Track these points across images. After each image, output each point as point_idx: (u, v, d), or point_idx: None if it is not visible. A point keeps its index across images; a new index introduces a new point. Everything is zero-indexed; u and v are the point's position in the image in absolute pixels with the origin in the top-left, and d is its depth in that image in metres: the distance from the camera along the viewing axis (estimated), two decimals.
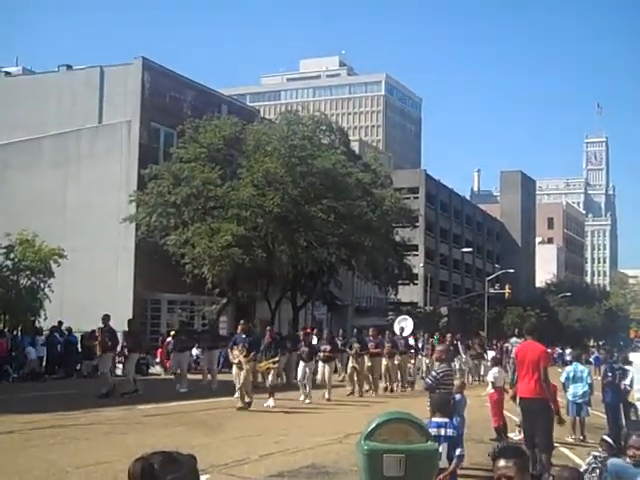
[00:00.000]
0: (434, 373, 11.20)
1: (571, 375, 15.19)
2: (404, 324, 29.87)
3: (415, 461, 6.26)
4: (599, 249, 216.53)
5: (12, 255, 27.26)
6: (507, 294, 67.47)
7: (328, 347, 21.82)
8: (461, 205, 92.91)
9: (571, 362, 16.91)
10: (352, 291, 55.28)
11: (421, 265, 71.43)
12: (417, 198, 72.87)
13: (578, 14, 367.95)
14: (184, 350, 22.43)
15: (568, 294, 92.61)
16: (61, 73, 41.25)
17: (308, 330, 25.04)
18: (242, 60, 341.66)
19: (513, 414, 13.46)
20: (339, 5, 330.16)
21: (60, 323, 28.62)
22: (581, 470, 7.12)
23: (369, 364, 23.33)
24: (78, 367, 27.40)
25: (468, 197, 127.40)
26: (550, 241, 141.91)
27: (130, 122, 37.39)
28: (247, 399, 17.35)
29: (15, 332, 27.30)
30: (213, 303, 35.92)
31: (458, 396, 11.13)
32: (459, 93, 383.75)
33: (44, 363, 26.83)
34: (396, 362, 24.84)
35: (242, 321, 18.93)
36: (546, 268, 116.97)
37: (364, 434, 6.36)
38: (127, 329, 22.02)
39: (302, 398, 19.55)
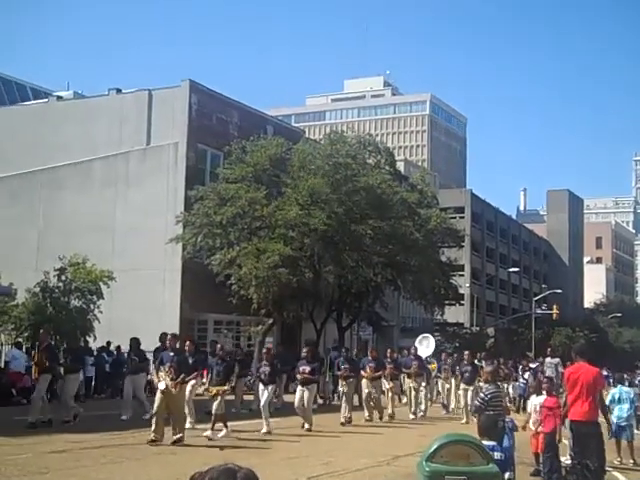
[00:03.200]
0: (482, 395, 11.09)
1: (616, 397, 15.03)
2: (425, 343, 26.95)
3: None
4: None
5: (63, 277, 27.72)
6: (555, 314, 66.58)
7: (307, 368, 18.29)
8: (507, 224, 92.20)
9: (615, 384, 16.71)
10: (398, 311, 55.05)
11: (467, 285, 70.93)
12: (463, 218, 72.48)
13: (627, 30, 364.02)
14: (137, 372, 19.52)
15: (618, 315, 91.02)
16: (111, 97, 41.94)
17: (269, 346, 22.63)
18: (288, 81, 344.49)
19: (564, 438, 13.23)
20: (383, 25, 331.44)
21: (108, 343, 28.99)
22: None
23: (367, 390, 20.83)
24: None
25: (514, 216, 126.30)
26: (599, 261, 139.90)
27: (177, 144, 37.84)
28: (178, 431, 14.42)
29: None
30: (259, 324, 36.00)
31: (508, 418, 11.00)
32: (504, 111, 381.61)
33: (93, 383, 27.21)
34: (411, 385, 22.63)
35: (169, 335, 15.91)
36: (595, 288, 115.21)
37: (425, 455, 6.37)
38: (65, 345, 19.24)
39: (264, 430, 16.51)
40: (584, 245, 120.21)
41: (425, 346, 26.63)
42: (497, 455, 7.81)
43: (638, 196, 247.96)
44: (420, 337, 28.12)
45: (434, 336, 59.82)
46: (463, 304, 62.82)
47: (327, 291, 34.88)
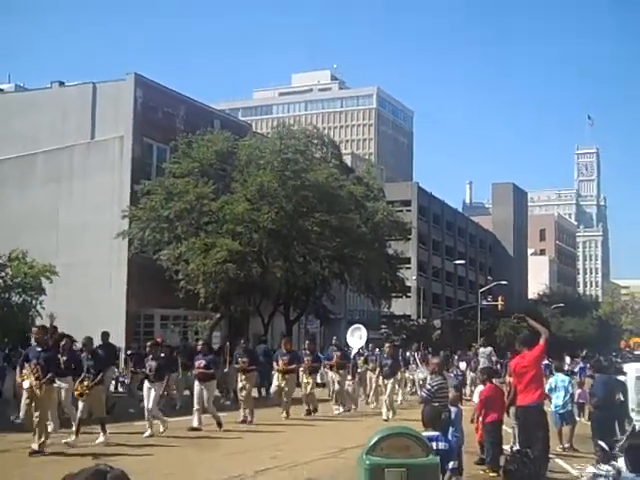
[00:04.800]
0: (429, 386, 11.24)
1: (553, 385, 15.38)
2: (357, 334, 24.51)
3: (417, 475, 6.32)
4: (591, 260, 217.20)
5: (3, 273, 27.18)
6: (500, 306, 67.57)
7: (202, 362, 16.85)
8: (453, 217, 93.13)
9: (552, 373, 17.08)
10: (345, 304, 55.27)
11: (414, 278, 71.48)
12: (409, 211, 72.90)
13: (566, 25, 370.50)
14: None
15: (561, 305, 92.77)
16: (54, 90, 41.27)
17: (158, 339, 19.88)
18: (235, 75, 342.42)
19: (507, 426, 13.48)
20: (330, 20, 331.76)
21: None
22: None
23: (278, 383, 19.61)
24: None
25: (460, 209, 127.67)
26: (542, 252, 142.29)
27: (123, 138, 37.40)
28: (41, 439, 12.70)
29: (7, 350, 27.15)
30: (206, 318, 35.87)
31: (454, 409, 11.16)
32: (450, 106, 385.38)
33: None
34: (332, 377, 21.45)
35: (35, 328, 13.92)
36: (538, 279, 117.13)
37: (365, 449, 6.41)
38: None
39: (147, 434, 14.96)
40: (528, 237, 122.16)
41: (358, 337, 24.35)
42: (441, 445, 7.90)
43: (580, 189, 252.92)
44: (352, 328, 25.49)
45: (381, 328, 60.56)
46: (410, 296, 63.15)
47: (274, 285, 34.87)
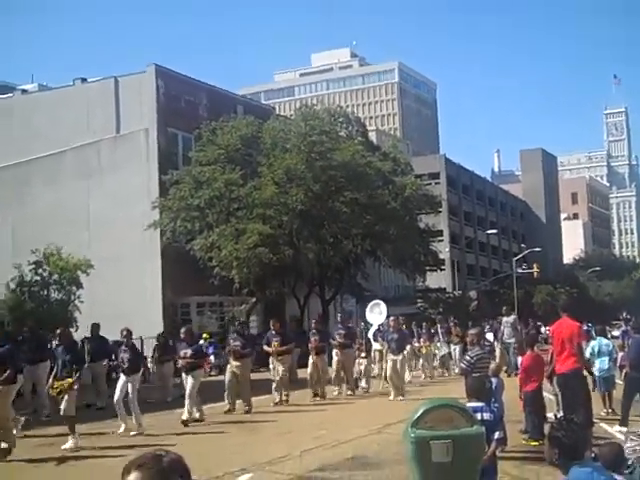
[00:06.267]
0: (468, 357, 11.18)
1: (596, 350, 15.20)
2: (376, 310, 23.12)
3: (462, 446, 6.34)
4: (625, 221, 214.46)
5: (40, 270, 27.46)
6: (536, 273, 67.11)
7: (188, 351, 15.08)
8: (483, 187, 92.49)
9: (595, 337, 16.89)
10: (379, 281, 55.21)
11: (447, 250, 71.19)
12: (438, 183, 72.67)
13: None
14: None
15: (597, 268, 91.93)
16: (76, 86, 41.48)
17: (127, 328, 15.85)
18: (255, 58, 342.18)
19: (549, 393, 13.41)
20: None
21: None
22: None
23: (274, 366, 18.14)
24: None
25: (489, 178, 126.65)
26: (575, 216, 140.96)
27: (148, 130, 37.57)
28: (4, 444, 11.60)
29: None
30: (242, 303, 36.06)
31: (494, 379, 11.12)
32: (473, 75, 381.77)
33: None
34: (337, 357, 19.45)
35: None
36: (573, 244, 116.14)
37: (410, 422, 6.44)
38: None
39: (121, 429, 13.70)
40: (560, 202, 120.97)
41: (377, 313, 23.10)
42: (486, 415, 7.86)
43: (610, 150, 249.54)
44: (371, 304, 24.13)
45: (417, 302, 60.45)
46: (444, 269, 62.92)
47: (308, 267, 34.93)
